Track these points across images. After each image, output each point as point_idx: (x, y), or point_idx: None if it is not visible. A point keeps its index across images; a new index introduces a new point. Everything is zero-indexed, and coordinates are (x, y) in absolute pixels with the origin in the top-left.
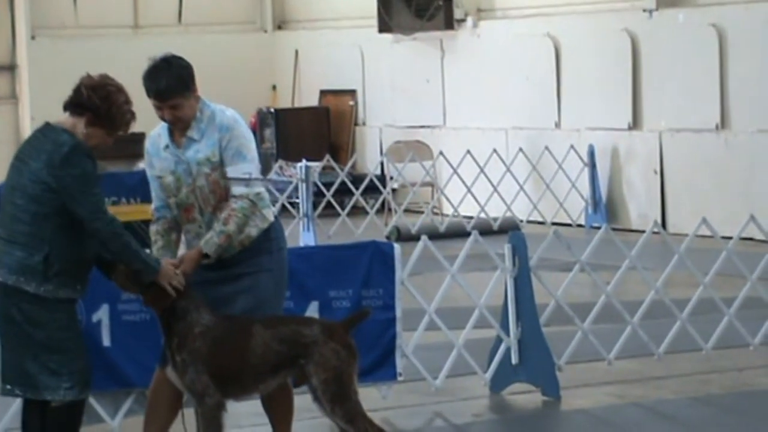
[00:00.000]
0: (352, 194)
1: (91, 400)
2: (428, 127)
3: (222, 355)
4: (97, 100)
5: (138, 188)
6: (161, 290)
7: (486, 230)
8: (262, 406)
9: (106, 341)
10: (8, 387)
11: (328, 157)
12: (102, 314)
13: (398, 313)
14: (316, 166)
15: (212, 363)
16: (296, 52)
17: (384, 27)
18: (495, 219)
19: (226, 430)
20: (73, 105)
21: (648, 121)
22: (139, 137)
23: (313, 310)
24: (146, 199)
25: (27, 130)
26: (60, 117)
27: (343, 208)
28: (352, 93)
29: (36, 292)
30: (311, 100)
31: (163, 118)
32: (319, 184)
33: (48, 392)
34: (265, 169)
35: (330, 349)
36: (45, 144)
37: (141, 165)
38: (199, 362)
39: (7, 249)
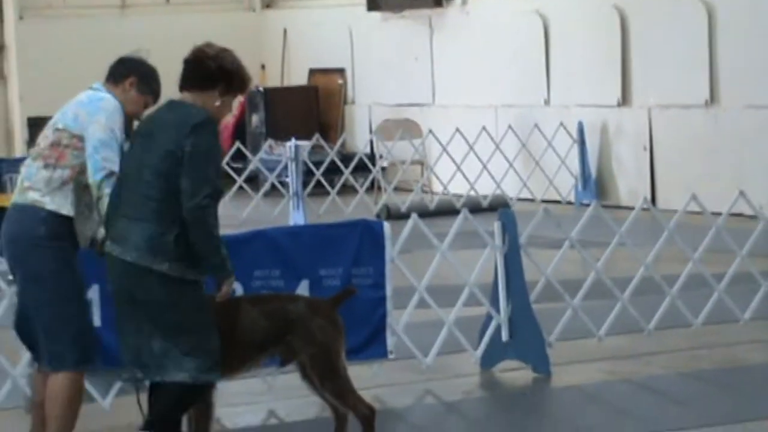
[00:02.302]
0: (342, 173)
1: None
2: (417, 105)
3: None
4: (229, 66)
5: None
6: None
7: (476, 208)
8: None
9: (97, 321)
10: (129, 371)
11: (317, 136)
12: (92, 294)
13: (388, 291)
14: (305, 145)
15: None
16: (285, 31)
17: (372, 5)
18: (484, 196)
19: (216, 409)
20: (201, 80)
21: (637, 98)
22: None
23: (303, 289)
24: None
25: (15, 111)
26: (183, 95)
27: (332, 187)
28: (341, 72)
29: (166, 271)
30: (300, 79)
31: (137, 111)
32: (309, 163)
33: (178, 373)
34: (255, 148)
35: (316, 325)
36: (174, 118)
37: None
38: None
39: (134, 227)
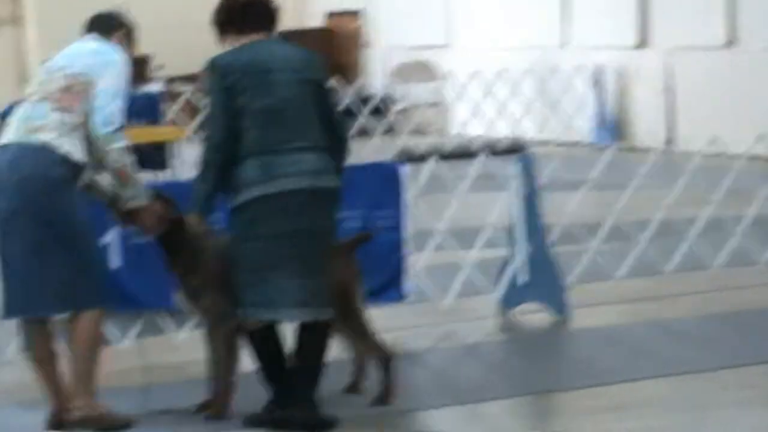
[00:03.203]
0: (359, 116)
1: None
2: (435, 47)
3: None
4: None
5: (144, 110)
6: (155, 218)
7: (493, 150)
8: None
9: (116, 263)
10: (307, 312)
11: (334, 78)
12: (111, 236)
13: (407, 233)
14: None
15: (226, 285)
16: None
17: None
18: (502, 139)
19: (240, 351)
20: (271, 22)
21: (656, 39)
22: (144, 59)
23: None
24: (152, 121)
25: (31, 54)
26: (255, 36)
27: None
28: (358, 14)
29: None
30: (317, 21)
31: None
32: None
33: (326, 308)
34: None
35: (332, 267)
36: (304, 54)
37: (145, 88)
38: (216, 285)
39: (323, 156)
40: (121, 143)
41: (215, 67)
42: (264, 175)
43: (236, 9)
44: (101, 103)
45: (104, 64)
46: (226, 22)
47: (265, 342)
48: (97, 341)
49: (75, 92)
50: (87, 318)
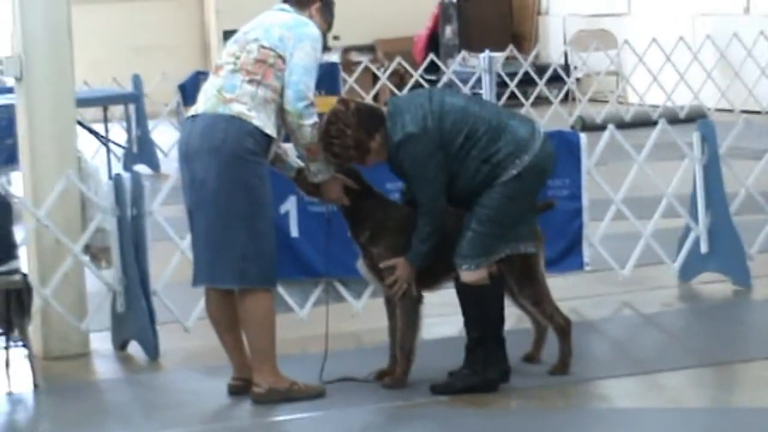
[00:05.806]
0: (536, 84)
1: (281, 290)
2: (613, 15)
3: None
4: None
5: (323, 80)
6: (340, 189)
7: (673, 119)
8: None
9: (294, 232)
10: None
11: (511, 47)
12: (290, 205)
13: (585, 202)
14: (499, 56)
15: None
16: None
17: None
18: (681, 107)
19: (421, 320)
20: None
21: None
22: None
23: None
24: (331, 91)
25: (212, 24)
26: None
27: (526, 99)
28: None
29: None
30: None
31: None
32: (503, 74)
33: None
34: (448, 60)
35: None
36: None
37: (325, 57)
38: (399, 253)
39: None
40: (313, 119)
41: (420, 136)
42: (532, 129)
43: (368, 107)
44: (295, 78)
45: (299, 37)
46: (370, 122)
47: (497, 289)
48: (268, 319)
49: (268, 65)
50: (255, 298)
